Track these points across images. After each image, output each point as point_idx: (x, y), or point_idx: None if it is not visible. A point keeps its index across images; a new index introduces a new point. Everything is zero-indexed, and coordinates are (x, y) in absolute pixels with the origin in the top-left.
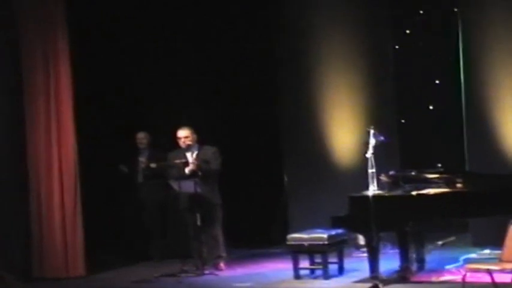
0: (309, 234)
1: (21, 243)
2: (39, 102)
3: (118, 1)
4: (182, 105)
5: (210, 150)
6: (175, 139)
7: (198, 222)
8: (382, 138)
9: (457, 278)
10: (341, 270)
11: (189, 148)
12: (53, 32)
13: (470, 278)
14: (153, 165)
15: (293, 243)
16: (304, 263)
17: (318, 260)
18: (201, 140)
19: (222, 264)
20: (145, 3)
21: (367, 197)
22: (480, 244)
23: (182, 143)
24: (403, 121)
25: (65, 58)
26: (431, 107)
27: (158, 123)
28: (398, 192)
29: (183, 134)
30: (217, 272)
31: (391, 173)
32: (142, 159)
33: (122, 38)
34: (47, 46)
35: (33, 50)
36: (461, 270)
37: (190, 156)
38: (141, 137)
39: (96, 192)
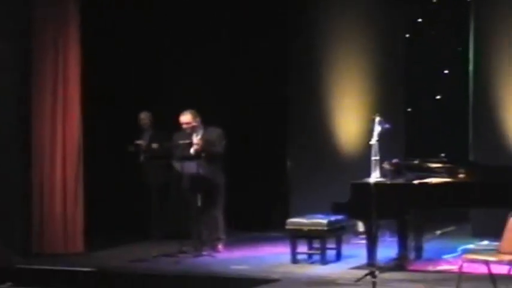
0: (308, 219)
1: (22, 218)
2: (47, 80)
3: None
4: (190, 86)
5: (215, 132)
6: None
7: (199, 203)
8: (387, 125)
9: (454, 267)
10: (338, 256)
11: (192, 132)
12: (64, 17)
13: (467, 268)
14: (154, 145)
15: (292, 227)
16: (303, 248)
17: (317, 245)
18: (206, 121)
19: (220, 246)
20: None
21: (368, 184)
22: (479, 235)
23: (187, 127)
24: (409, 110)
25: (74, 42)
26: (438, 97)
27: (165, 103)
28: (400, 180)
29: (186, 119)
30: (214, 254)
31: (394, 161)
32: (140, 141)
33: (133, 23)
34: (57, 31)
35: (44, 33)
36: (459, 260)
37: (195, 138)
38: (143, 117)
39: (99, 170)
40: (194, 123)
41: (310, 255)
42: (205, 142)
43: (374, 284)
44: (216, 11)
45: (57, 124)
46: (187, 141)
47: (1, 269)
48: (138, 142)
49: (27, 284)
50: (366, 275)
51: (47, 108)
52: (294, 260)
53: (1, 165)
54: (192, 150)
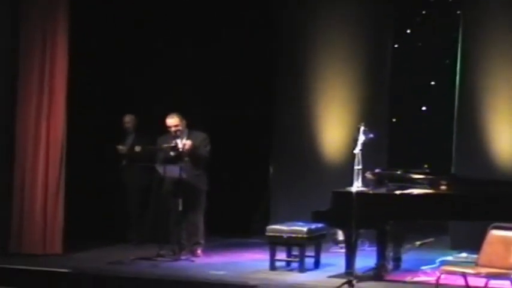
0: (288, 226)
1: (1, 218)
2: (33, 76)
3: None
4: (176, 92)
5: (200, 137)
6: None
7: (180, 208)
8: (371, 135)
9: (432, 279)
10: (317, 264)
11: (177, 135)
12: (54, 10)
13: (445, 280)
14: (137, 148)
15: (271, 234)
16: (282, 255)
17: (296, 252)
18: (190, 125)
19: (199, 251)
20: None
21: (350, 193)
22: (458, 247)
23: (172, 131)
24: (394, 120)
25: (62, 35)
26: (424, 108)
27: (149, 107)
28: (382, 190)
29: (172, 122)
30: (193, 258)
31: (377, 170)
32: (120, 147)
33: (123, 22)
34: (46, 23)
35: (33, 25)
36: (437, 271)
37: (180, 142)
38: (127, 120)
39: (80, 171)
40: (180, 127)
41: (288, 263)
42: (192, 145)
43: None
44: (204, 12)
45: (41, 124)
46: (171, 145)
47: None
48: (119, 147)
49: (2, 283)
50: (344, 283)
51: (31, 108)
52: (273, 267)
53: None
54: (172, 153)
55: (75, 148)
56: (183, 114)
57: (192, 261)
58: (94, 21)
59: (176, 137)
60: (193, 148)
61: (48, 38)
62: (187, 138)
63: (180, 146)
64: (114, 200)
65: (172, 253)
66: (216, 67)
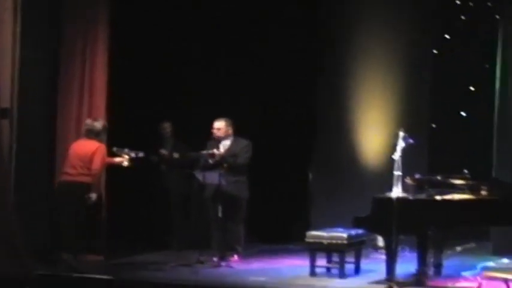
0: (328, 232)
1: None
2: (73, 87)
3: None
4: (219, 96)
5: (242, 144)
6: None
7: (220, 214)
8: (411, 141)
9: (473, 285)
10: (357, 270)
11: (220, 140)
12: (95, 14)
13: (487, 286)
14: (176, 155)
15: (312, 240)
16: (322, 261)
17: (336, 259)
18: (237, 132)
19: (237, 258)
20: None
21: (390, 198)
22: (500, 253)
23: (214, 133)
24: (433, 125)
25: (102, 48)
26: (463, 114)
27: (188, 114)
28: (422, 196)
29: (216, 125)
30: (233, 265)
31: (417, 176)
32: (163, 150)
33: (160, 30)
34: (86, 40)
35: (73, 42)
36: (478, 277)
37: (221, 147)
38: (166, 126)
39: (121, 178)
40: (223, 131)
41: (328, 269)
42: (227, 154)
43: None
44: (245, 21)
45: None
46: (210, 152)
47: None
48: (161, 151)
49: None
50: None
51: (72, 114)
52: (313, 273)
53: (28, 169)
54: (210, 161)
55: (115, 154)
56: (230, 121)
57: (232, 267)
58: (134, 24)
59: (219, 141)
60: (228, 156)
61: (87, 49)
62: (230, 145)
63: (216, 153)
64: (155, 206)
65: (212, 260)
66: (258, 71)
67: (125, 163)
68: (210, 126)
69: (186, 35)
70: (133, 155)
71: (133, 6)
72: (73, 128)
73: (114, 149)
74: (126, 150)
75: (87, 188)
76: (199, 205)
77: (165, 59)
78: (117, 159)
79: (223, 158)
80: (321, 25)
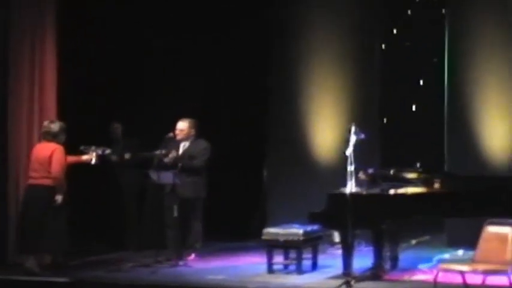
0: (284, 229)
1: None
2: (23, 85)
3: None
4: (174, 98)
5: (201, 146)
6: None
7: (175, 214)
8: (362, 135)
9: (430, 277)
10: (314, 266)
11: (181, 140)
12: (42, 13)
13: (443, 278)
14: (127, 155)
15: (268, 237)
16: (279, 258)
17: (293, 255)
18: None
19: (195, 256)
20: None
21: (344, 194)
22: (455, 245)
23: (177, 134)
24: (384, 120)
25: (51, 40)
26: (414, 107)
27: (136, 113)
28: (376, 190)
29: (179, 126)
30: (190, 264)
31: (370, 171)
32: (113, 157)
33: (115, 27)
34: (34, 34)
35: (23, 30)
36: (434, 270)
37: (182, 149)
38: (116, 126)
39: (73, 180)
40: (185, 133)
41: (286, 265)
42: (183, 155)
43: None
44: (197, 15)
45: (33, 131)
46: (163, 152)
47: None
48: (112, 157)
49: None
50: (342, 284)
51: (24, 117)
52: (270, 270)
53: None
54: (166, 160)
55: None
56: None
57: (190, 266)
58: (83, 25)
59: (180, 142)
60: (183, 158)
61: (36, 42)
62: (189, 146)
63: (170, 156)
64: (110, 206)
65: (169, 259)
66: (209, 69)
67: (93, 161)
68: (163, 125)
69: (135, 34)
70: (100, 152)
71: (80, 5)
72: (25, 131)
73: (82, 147)
74: (93, 147)
75: (52, 190)
76: (154, 205)
77: (115, 58)
78: (85, 157)
79: (179, 159)
80: (271, 20)
